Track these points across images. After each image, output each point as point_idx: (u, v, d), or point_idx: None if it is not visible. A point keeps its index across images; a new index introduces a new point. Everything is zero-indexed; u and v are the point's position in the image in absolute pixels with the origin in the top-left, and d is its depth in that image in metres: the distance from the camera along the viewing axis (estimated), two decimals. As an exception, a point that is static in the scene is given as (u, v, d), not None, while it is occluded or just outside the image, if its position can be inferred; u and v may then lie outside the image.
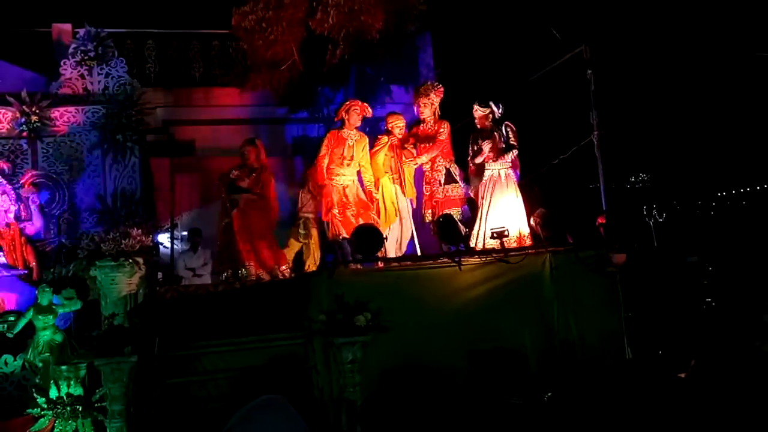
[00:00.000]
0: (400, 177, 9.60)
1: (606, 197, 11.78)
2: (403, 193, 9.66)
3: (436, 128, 9.52)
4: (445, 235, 8.69)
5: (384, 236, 8.58)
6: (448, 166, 9.51)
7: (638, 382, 7.90)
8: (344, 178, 9.31)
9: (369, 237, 8.31)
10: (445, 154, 9.54)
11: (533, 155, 12.71)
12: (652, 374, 8.22)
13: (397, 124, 9.71)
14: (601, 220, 9.37)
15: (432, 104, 9.57)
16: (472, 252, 8.61)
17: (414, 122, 9.88)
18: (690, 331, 9.22)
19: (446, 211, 9.15)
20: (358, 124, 9.48)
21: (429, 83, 9.87)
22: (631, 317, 8.51)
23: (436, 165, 9.50)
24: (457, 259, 8.14)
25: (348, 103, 9.56)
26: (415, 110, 9.77)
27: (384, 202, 9.55)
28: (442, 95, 9.63)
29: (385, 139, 9.64)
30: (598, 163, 11.88)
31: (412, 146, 9.64)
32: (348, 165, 9.31)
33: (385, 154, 9.63)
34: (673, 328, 9.06)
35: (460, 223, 8.94)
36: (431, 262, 8.39)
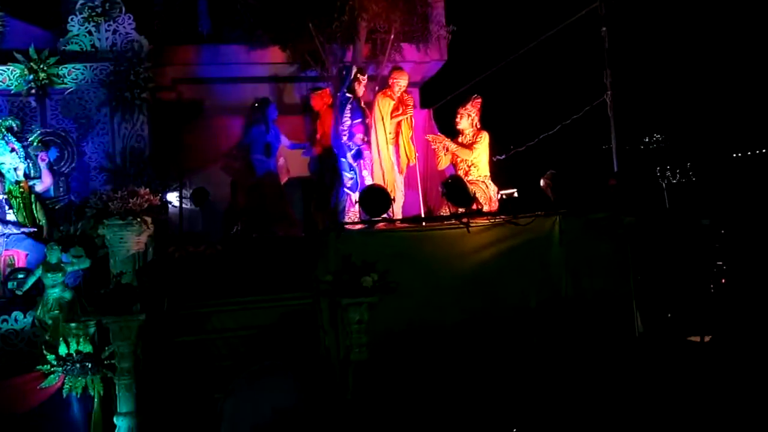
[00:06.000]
0: (395, 137, 9.64)
1: (618, 159, 11.61)
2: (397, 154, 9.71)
3: (473, 138, 9.63)
4: (454, 196, 8.65)
5: (392, 197, 8.55)
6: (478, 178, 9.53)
7: (646, 345, 7.91)
8: None
9: (377, 198, 8.28)
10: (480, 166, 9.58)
11: (545, 115, 12.56)
12: (661, 337, 8.22)
13: (398, 81, 9.63)
14: (612, 182, 9.27)
15: (469, 115, 9.67)
16: (480, 213, 8.56)
17: (425, 84, 9.84)
18: (699, 294, 9.17)
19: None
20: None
21: (469, 96, 9.95)
22: (640, 280, 8.45)
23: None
24: (465, 221, 8.10)
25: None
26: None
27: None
28: (479, 106, 9.73)
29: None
30: (610, 123, 11.68)
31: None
32: None
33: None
34: (682, 292, 9.00)
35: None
36: (440, 223, 8.36)
